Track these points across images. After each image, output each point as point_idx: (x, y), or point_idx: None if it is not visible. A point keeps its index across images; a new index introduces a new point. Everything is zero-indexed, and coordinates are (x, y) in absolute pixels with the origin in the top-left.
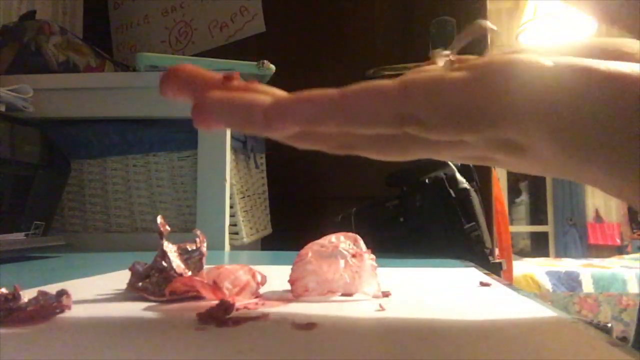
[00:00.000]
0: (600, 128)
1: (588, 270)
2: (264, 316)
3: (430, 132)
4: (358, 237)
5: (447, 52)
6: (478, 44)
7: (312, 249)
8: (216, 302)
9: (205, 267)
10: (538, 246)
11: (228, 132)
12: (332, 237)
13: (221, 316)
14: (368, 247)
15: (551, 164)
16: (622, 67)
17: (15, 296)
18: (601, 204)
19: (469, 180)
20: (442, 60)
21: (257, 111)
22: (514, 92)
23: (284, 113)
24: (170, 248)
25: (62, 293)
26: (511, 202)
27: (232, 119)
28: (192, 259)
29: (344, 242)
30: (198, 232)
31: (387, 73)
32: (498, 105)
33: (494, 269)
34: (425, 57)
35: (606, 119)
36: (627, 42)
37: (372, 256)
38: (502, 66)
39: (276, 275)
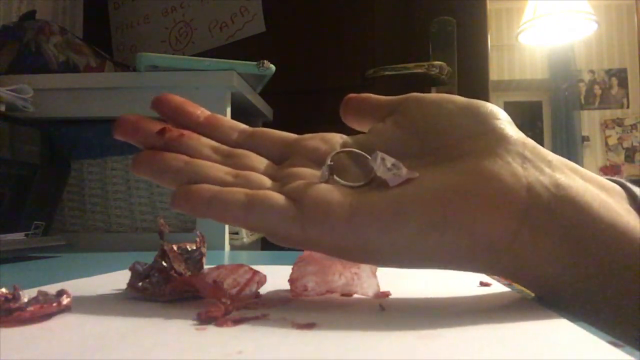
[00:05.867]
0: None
1: None
2: (264, 316)
3: None
4: None
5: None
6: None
7: None
8: (216, 302)
9: (205, 267)
10: None
11: None
12: None
13: (221, 316)
14: None
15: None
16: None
17: (15, 296)
18: None
19: None
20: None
21: (168, 180)
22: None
23: (187, 203)
24: (170, 248)
25: (62, 293)
26: None
27: (154, 178)
28: (192, 259)
29: None
30: (198, 232)
31: (387, 73)
32: (309, 243)
33: None
34: (425, 57)
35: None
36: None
37: None
38: (315, 204)
39: (276, 275)
